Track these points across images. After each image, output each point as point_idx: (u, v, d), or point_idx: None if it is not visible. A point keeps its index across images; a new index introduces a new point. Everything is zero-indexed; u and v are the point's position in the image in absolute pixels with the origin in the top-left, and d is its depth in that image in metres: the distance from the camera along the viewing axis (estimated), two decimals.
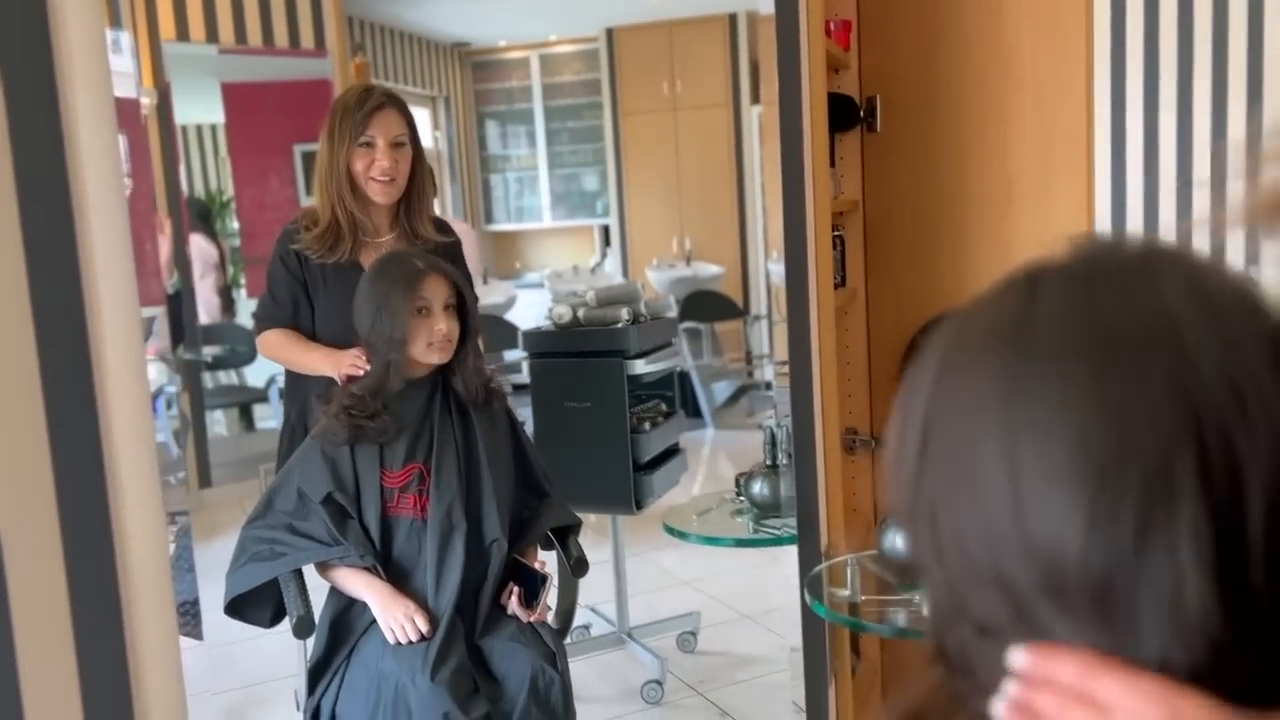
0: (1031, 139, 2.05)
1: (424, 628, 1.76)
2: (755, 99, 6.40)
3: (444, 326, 1.81)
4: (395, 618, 1.76)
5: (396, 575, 1.83)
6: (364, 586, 1.80)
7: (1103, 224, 2.27)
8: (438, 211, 2.64)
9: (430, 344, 1.81)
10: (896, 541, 1.56)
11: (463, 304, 1.85)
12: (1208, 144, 4.31)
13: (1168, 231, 4.48)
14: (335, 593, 1.85)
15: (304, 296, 2.08)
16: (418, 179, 2.09)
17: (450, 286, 1.84)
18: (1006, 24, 2.05)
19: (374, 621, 1.79)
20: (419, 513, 1.83)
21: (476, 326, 1.88)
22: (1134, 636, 0.41)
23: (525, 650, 1.78)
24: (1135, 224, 4.51)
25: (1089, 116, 2.02)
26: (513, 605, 1.85)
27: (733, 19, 6.40)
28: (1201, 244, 4.35)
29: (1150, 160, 4.41)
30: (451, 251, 2.14)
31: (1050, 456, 0.42)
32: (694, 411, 5.33)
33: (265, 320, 2.11)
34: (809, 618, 1.79)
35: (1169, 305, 0.43)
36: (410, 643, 1.75)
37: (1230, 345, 0.41)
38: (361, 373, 1.84)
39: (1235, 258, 4.00)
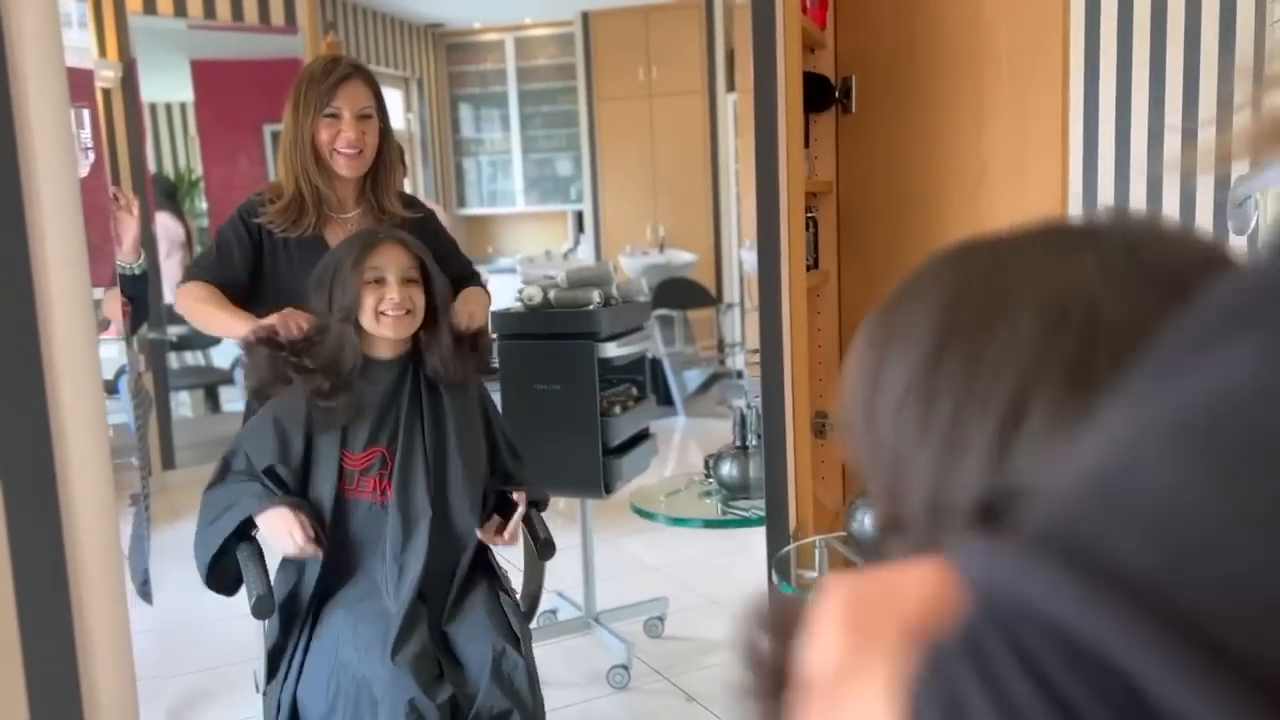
0: (1006, 121, 2.04)
1: (310, 534, 1.69)
2: (731, 87, 6.38)
3: (396, 295, 1.74)
4: (281, 533, 1.70)
5: (351, 557, 1.79)
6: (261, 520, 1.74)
7: (1075, 205, 2.27)
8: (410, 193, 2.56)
9: (381, 314, 1.74)
10: (865, 522, 1.55)
11: (427, 277, 1.80)
12: (1179, 126, 4.33)
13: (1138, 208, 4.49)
14: (282, 571, 1.81)
15: (250, 267, 2.00)
16: (385, 153, 2.04)
17: (411, 257, 1.78)
18: (983, 6, 2.04)
19: (326, 603, 1.75)
20: (379, 496, 1.78)
21: (445, 298, 1.82)
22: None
23: (489, 633, 1.75)
24: (1107, 205, 4.52)
25: (1064, 99, 2.02)
26: (490, 534, 1.82)
27: (709, 5, 6.36)
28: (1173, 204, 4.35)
29: (1122, 142, 4.43)
30: (422, 226, 2.09)
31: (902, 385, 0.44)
32: (665, 399, 5.31)
33: (196, 271, 2.00)
34: (776, 597, 1.77)
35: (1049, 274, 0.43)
36: (307, 555, 1.70)
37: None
38: (292, 331, 1.76)
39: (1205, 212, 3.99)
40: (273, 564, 1.85)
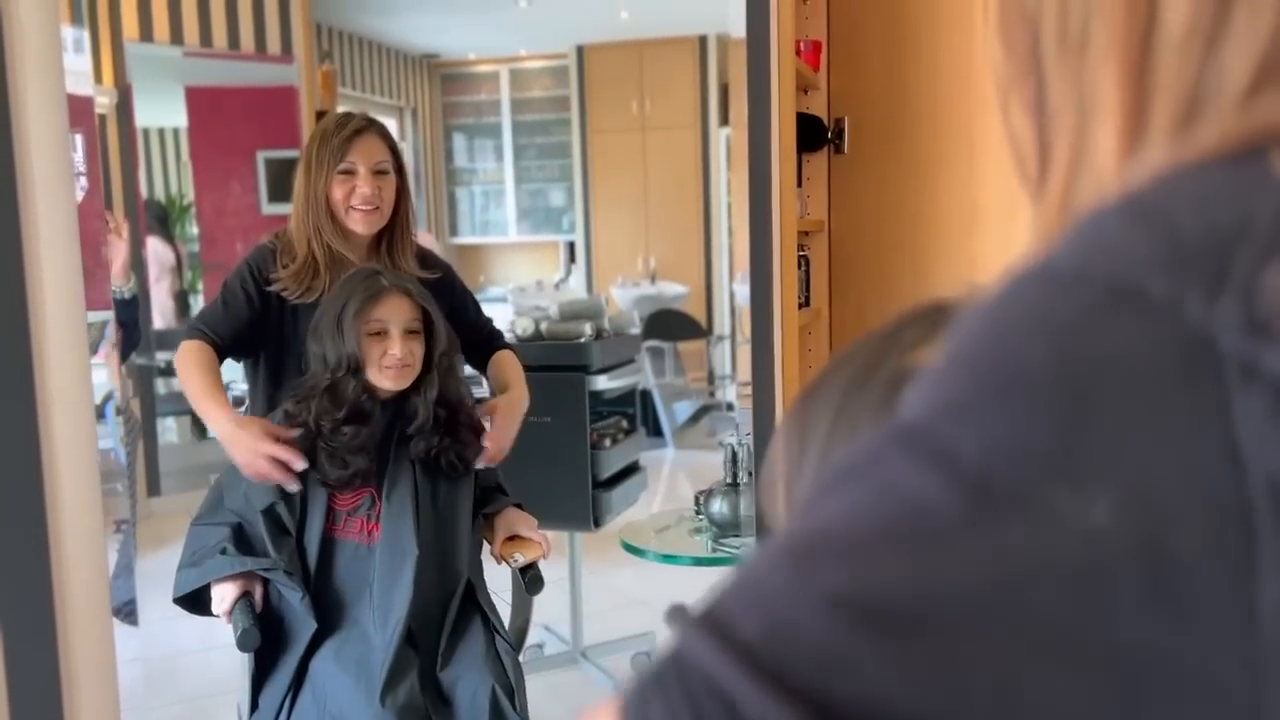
0: (997, 164, 2.07)
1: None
2: (723, 121, 6.43)
3: (399, 351, 1.69)
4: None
5: (336, 600, 1.75)
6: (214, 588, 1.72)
7: None
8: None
9: (383, 368, 1.71)
10: None
11: (430, 328, 1.75)
12: None
13: None
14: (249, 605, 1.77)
15: (254, 325, 1.90)
16: (401, 210, 1.95)
17: (415, 308, 1.73)
18: (975, 49, 2.07)
19: (312, 647, 1.73)
20: (366, 538, 1.75)
21: (444, 350, 1.76)
22: None
23: (484, 682, 1.71)
24: None
25: None
26: (498, 548, 1.85)
27: (703, 41, 6.44)
28: None
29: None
30: (440, 286, 1.99)
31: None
32: (655, 430, 5.31)
33: (198, 329, 1.89)
34: None
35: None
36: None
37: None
38: (263, 471, 1.70)
39: None
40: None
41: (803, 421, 0.54)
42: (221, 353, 1.88)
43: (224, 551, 1.73)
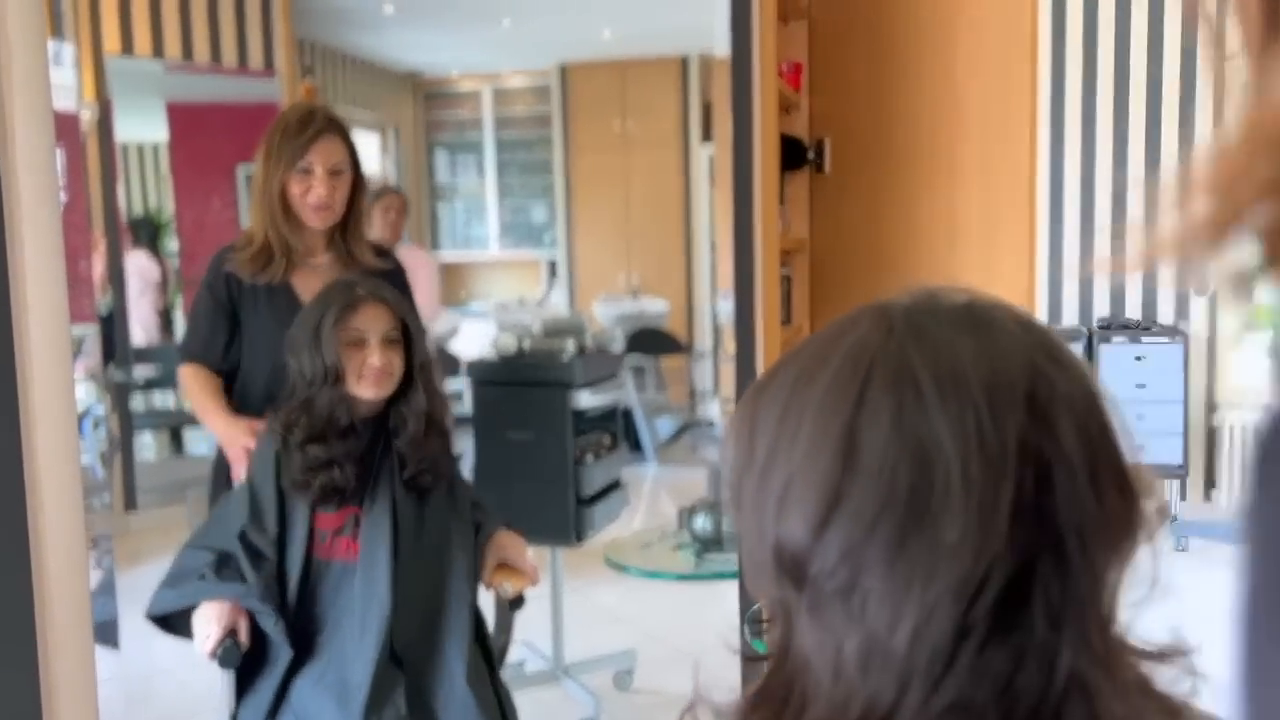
0: (976, 182, 2.10)
1: (214, 646, 1.65)
2: (705, 138, 6.47)
3: (377, 360, 1.69)
4: (199, 632, 1.68)
5: (321, 621, 1.73)
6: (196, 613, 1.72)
7: (1041, 264, 2.32)
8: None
9: (361, 376, 1.70)
10: None
11: (408, 335, 1.76)
12: (1141, 203, 4.45)
13: (1101, 281, 4.61)
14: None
15: (227, 325, 2.01)
16: (356, 203, 2.04)
17: (393, 317, 1.74)
18: (956, 76, 2.10)
19: (296, 669, 1.71)
20: (351, 557, 1.73)
21: (424, 360, 1.77)
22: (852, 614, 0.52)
23: (472, 711, 1.69)
24: (1072, 271, 4.63)
25: (1031, 161, 2.08)
26: (488, 577, 1.85)
27: (685, 61, 6.48)
28: (1135, 283, 4.43)
29: (1087, 203, 4.55)
30: (394, 279, 2.07)
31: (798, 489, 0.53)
32: (636, 447, 5.31)
33: (185, 353, 2.05)
34: (749, 656, 1.77)
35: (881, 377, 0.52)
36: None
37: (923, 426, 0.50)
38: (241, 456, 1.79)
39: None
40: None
41: (751, 418, 0.56)
42: (215, 366, 2.03)
43: (202, 577, 1.72)
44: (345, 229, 2.05)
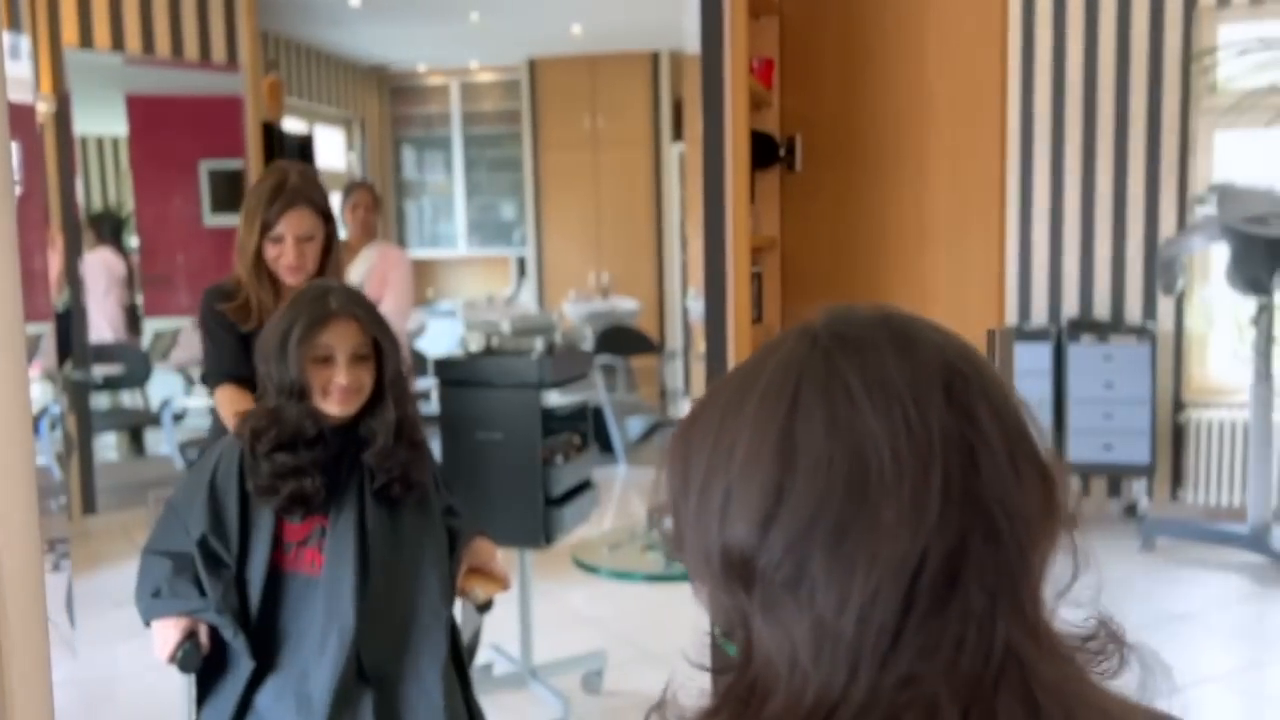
0: (946, 183, 2.09)
1: (172, 655, 1.64)
2: (676, 137, 6.46)
3: (344, 379, 1.65)
4: (157, 644, 1.66)
5: (283, 634, 1.68)
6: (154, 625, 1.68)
7: (1011, 266, 2.31)
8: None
9: (326, 393, 1.66)
10: None
11: (379, 350, 1.70)
12: (1109, 205, 4.49)
13: (1070, 281, 4.64)
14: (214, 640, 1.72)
15: (241, 343, 2.14)
16: (331, 258, 2.22)
17: (362, 334, 1.69)
18: (926, 73, 2.09)
19: (258, 684, 1.68)
20: (315, 570, 1.69)
21: (394, 375, 1.72)
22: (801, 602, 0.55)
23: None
24: (1040, 270, 4.66)
25: (1001, 169, 2.07)
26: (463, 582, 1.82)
27: (655, 58, 6.46)
28: (1103, 285, 4.46)
29: (1056, 203, 4.57)
30: None
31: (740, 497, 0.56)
32: (606, 447, 5.29)
33: (215, 378, 2.19)
34: (718, 656, 1.75)
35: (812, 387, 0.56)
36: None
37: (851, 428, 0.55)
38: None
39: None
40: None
41: (685, 449, 0.60)
42: (246, 378, 2.09)
43: (157, 594, 1.68)
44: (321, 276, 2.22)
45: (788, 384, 0.56)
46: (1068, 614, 0.58)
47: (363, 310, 1.72)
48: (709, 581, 0.58)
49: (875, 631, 0.52)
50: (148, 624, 1.70)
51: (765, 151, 2.14)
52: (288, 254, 2.13)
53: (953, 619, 0.53)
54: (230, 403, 2.10)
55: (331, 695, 1.61)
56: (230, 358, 2.15)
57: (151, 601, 1.67)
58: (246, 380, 2.08)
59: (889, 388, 0.55)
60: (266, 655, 1.68)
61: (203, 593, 1.66)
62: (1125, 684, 0.58)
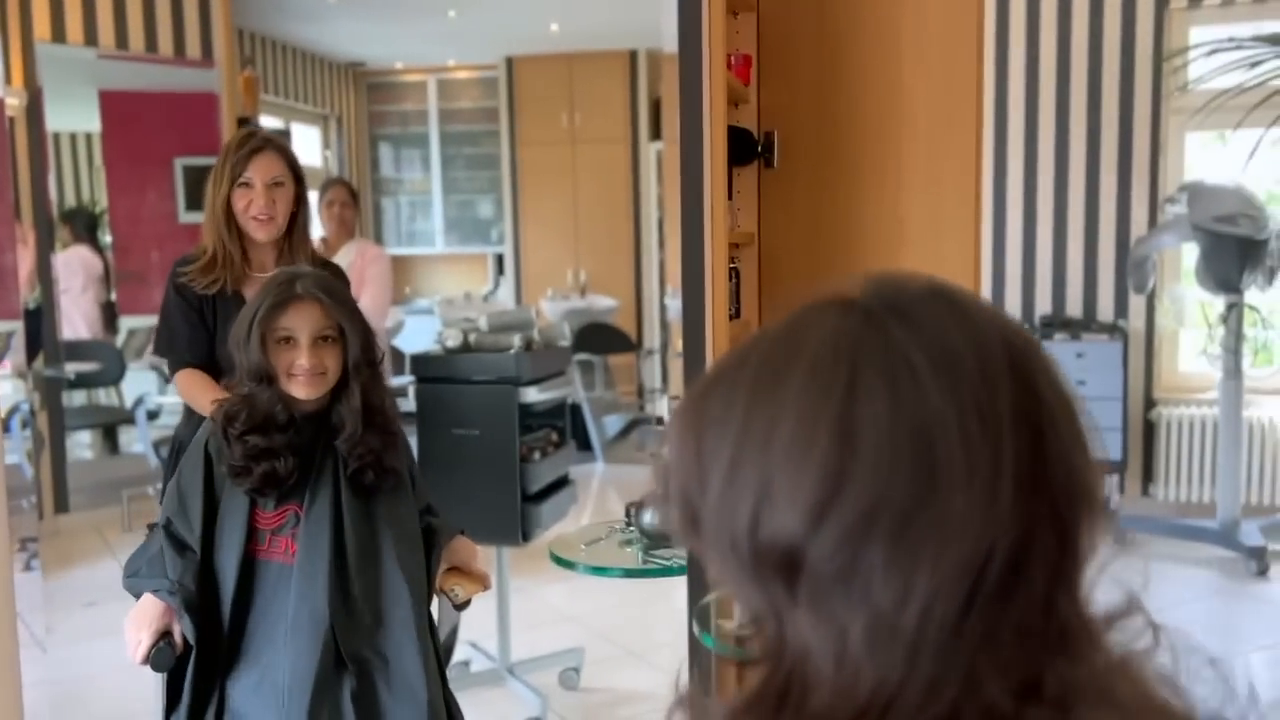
0: (922, 180, 2.11)
1: (144, 653, 1.62)
2: (654, 135, 6.46)
3: (305, 361, 1.64)
4: (130, 634, 1.64)
5: (257, 624, 1.67)
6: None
7: (986, 263, 2.32)
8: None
9: (290, 375, 1.66)
10: None
11: (344, 336, 1.69)
12: (1081, 204, 4.53)
13: (1043, 279, 4.68)
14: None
15: (202, 323, 2.16)
16: (300, 217, 2.21)
17: (326, 316, 1.68)
18: (903, 72, 2.11)
19: (231, 675, 1.67)
20: (290, 558, 1.68)
21: (359, 360, 1.70)
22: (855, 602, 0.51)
23: (420, 713, 1.65)
24: (1014, 268, 4.70)
25: (977, 168, 2.09)
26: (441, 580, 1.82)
27: (633, 56, 6.46)
28: (1076, 281, 4.50)
29: (1029, 202, 4.61)
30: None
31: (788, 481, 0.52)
32: (584, 444, 5.29)
33: (175, 362, 2.19)
34: (696, 651, 1.76)
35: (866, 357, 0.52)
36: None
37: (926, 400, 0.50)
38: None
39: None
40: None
41: (698, 429, 0.55)
42: (205, 362, 2.15)
43: (136, 574, 1.69)
44: (291, 241, 2.20)
45: (841, 361, 0.51)
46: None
47: (329, 295, 1.71)
48: (733, 570, 0.54)
49: (937, 624, 0.49)
50: (137, 597, 1.70)
51: (743, 147, 2.15)
52: (257, 200, 2.12)
53: (1014, 607, 0.50)
54: (191, 385, 2.13)
55: (311, 684, 1.60)
56: (188, 337, 2.15)
57: (130, 580, 1.70)
58: (203, 365, 2.15)
59: (955, 365, 0.51)
60: (240, 644, 1.67)
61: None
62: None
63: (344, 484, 1.69)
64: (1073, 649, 0.52)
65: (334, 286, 1.76)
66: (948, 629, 0.49)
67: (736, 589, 0.55)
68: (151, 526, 1.79)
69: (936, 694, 0.50)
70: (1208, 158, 4.43)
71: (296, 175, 2.20)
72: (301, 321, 1.67)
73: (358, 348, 1.69)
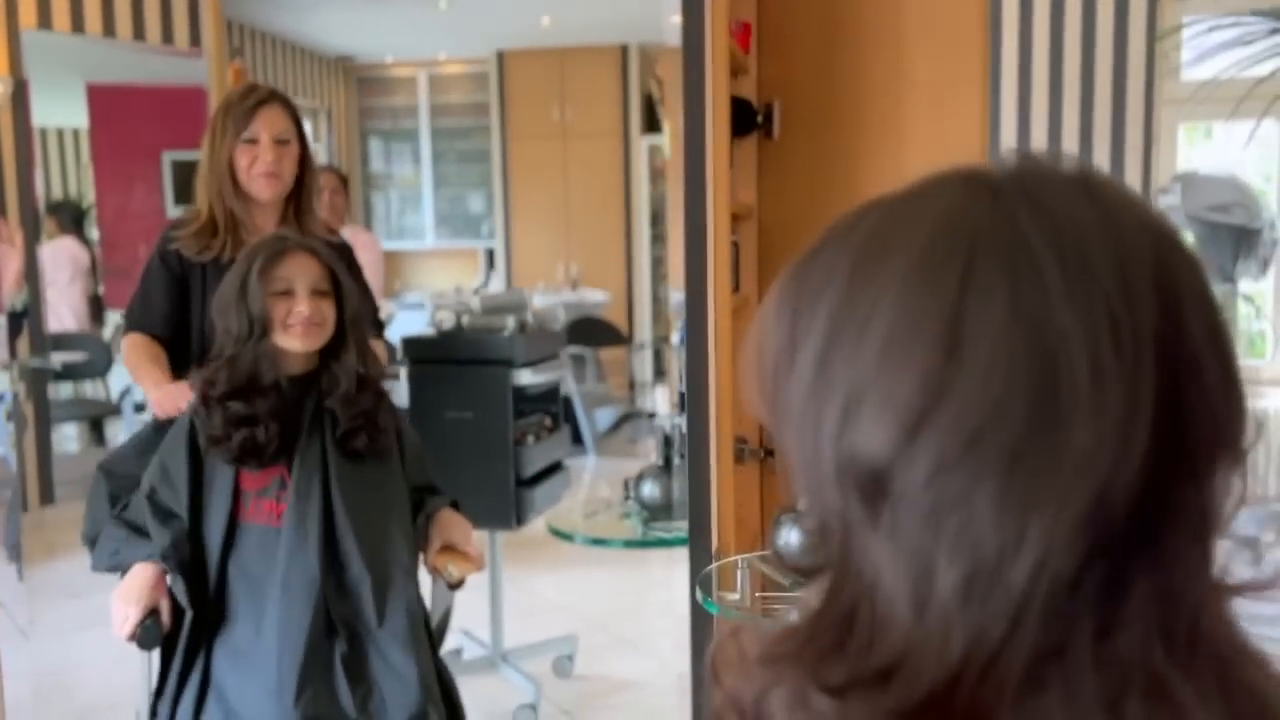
0: (926, 153, 2.08)
1: (132, 629, 1.59)
2: (645, 129, 6.44)
3: (305, 308, 1.64)
4: (118, 609, 1.61)
5: (244, 589, 1.64)
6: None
7: None
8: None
9: (287, 326, 1.64)
10: (790, 539, 1.52)
11: (339, 290, 1.70)
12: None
13: None
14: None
15: (174, 295, 2.00)
16: (305, 179, 2.04)
17: (321, 267, 1.68)
18: (905, 38, 2.08)
19: (217, 643, 1.63)
20: (275, 521, 1.65)
21: (354, 315, 1.71)
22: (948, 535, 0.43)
23: (412, 690, 1.62)
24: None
25: (983, 133, 2.07)
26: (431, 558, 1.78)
27: (624, 50, 6.44)
28: None
29: None
30: (343, 255, 2.02)
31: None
32: (576, 438, 5.25)
33: (129, 322, 2.03)
34: (698, 622, 1.73)
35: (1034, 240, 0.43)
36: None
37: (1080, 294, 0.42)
38: (170, 411, 1.74)
39: None
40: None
41: (793, 303, 0.48)
42: (160, 339, 1.99)
43: (117, 553, 1.67)
44: (297, 204, 2.04)
45: (957, 248, 0.43)
46: None
47: (320, 247, 1.72)
48: (809, 472, 0.46)
49: (1050, 580, 0.42)
50: (121, 574, 1.66)
51: (744, 118, 2.12)
52: (264, 156, 1.94)
53: (1142, 570, 0.43)
54: (137, 351, 1.97)
55: (304, 645, 1.57)
56: (151, 304, 2.00)
57: (113, 558, 1.65)
58: (164, 343, 2.00)
59: (1092, 275, 0.42)
60: (229, 613, 1.64)
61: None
62: None
63: (331, 447, 1.67)
64: (1210, 627, 0.45)
65: (321, 242, 1.76)
66: (1063, 587, 0.42)
67: (808, 492, 0.47)
68: (101, 468, 1.76)
69: (1044, 662, 0.42)
70: (1195, 154, 4.44)
71: (301, 135, 2.05)
72: (298, 270, 1.66)
73: (354, 304, 1.68)
